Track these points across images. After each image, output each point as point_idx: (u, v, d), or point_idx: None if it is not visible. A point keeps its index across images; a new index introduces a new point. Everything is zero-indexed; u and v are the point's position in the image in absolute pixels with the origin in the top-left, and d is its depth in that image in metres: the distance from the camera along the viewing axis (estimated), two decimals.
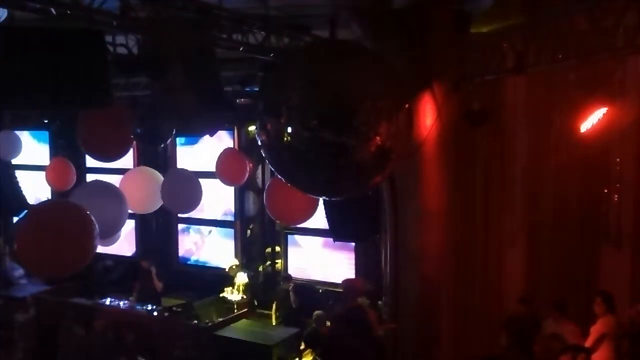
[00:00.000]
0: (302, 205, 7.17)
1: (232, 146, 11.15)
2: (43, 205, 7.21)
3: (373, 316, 8.22)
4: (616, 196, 7.24)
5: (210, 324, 9.30)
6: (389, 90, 3.18)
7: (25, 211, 7.00)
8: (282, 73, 3.44)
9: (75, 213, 5.94)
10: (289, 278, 10.09)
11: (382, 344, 7.97)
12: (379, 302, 8.92)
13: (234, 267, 10.75)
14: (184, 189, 8.46)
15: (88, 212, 5.94)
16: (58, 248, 5.53)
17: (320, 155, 3.00)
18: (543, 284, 7.89)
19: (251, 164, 10.81)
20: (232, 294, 10.30)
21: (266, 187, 7.76)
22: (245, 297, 10.30)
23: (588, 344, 6.58)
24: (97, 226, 5.91)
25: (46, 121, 12.68)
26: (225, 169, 9.29)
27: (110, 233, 7.59)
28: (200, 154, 11.77)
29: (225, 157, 9.40)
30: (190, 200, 8.62)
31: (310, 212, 7.57)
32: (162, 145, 10.17)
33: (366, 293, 8.89)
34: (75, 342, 9.16)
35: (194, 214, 12.10)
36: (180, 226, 12.43)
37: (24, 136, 12.57)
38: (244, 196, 11.59)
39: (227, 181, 9.60)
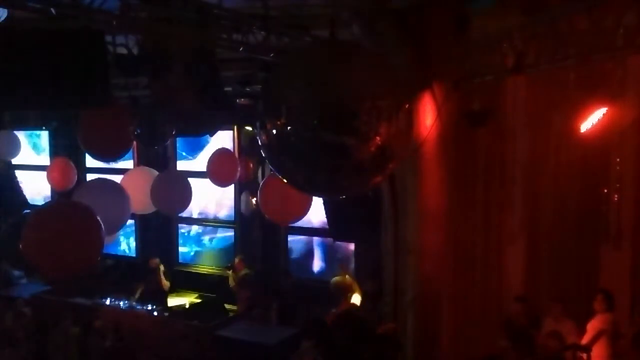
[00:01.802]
0: (295, 204, 7.21)
1: (231, 147, 11.17)
2: (48, 205, 7.20)
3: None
4: (616, 196, 7.23)
5: (210, 324, 9.30)
6: (389, 90, 3.18)
7: (28, 211, 7.01)
8: (282, 73, 3.44)
9: (81, 213, 5.94)
10: (289, 275, 10.10)
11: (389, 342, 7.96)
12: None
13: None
14: (174, 190, 8.45)
15: (93, 212, 5.94)
16: (64, 249, 5.53)
17: (320, 155, 3.00)
18: (543, 284, 7.90)
19: (251, 165, 10.82)
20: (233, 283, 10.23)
21: (260, 186, 7.79)
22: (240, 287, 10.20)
23: (585, 340, 6.58)
24: (103, 226, 5.92)
25: (44, 128, 12.68)
26: (215, 170, 9.31)
27: (112, 231, 7.61)
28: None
29: (217, 158, 9.43)
30: (179, 201, 8.62)
31: (303, 211, 7.61)
32: (161, 146, 10.17)
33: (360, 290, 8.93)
34: (74, 342, 9.16)
35: (194, 214, 12.18)
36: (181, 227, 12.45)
37: (23, 136, 12.59)
38: (244, 196, 11.59)
39: (217, 182, 9.62)
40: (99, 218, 5.94)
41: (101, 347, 8.80)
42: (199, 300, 10.91)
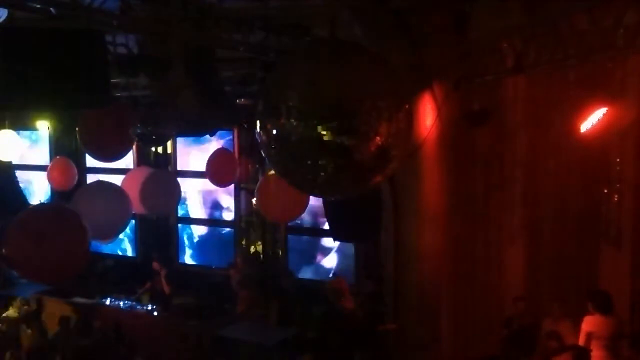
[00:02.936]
0: (293, 203, 7.22)
1: (231, 147, 11.18)
2: (33, 209, 7.03)
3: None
4: (616, 196, 7.23)
5: (210, 324, 9.30)
6: (389, 90, 3.18)
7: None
8: (282, 73, 3.44)
9: (67, 218, 5.85)
10: (289, 275, 10.09)
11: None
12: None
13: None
14: (161, 191, 8.43)
15: (80, 217, 5.86)
16: (47, 255, 5.44)
17: (320, 155, 3.00)
18: (543, 284, 7.90)
19: (250, 165, 10.83)
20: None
21: (257, 186, 7.81)
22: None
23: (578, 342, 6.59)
24: (90, 231, 5.83)
25: (47, 128, 12.62)
26: (215, 170, 9.32)
27: (113, 233, 7.60)
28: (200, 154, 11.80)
29: (216, 158, 9.44)
30: (167, 202, 8.61)
31: (301, 209, 7.63)
32: (161, 146, 10.18)
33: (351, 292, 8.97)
34: (74, 342, 9.16)
35: (194, 214, 12.18)
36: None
37: (24, 136, 12.58)
38: (244, 196, 11.59)
39: (216, 182, 9.63)
40: (85, 223, 5.85)
41: (120, 344, 8.81)
42: (198, 300, 10.89)
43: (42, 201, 13.10)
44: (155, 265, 10.49)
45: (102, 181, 8.20)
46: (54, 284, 8.78)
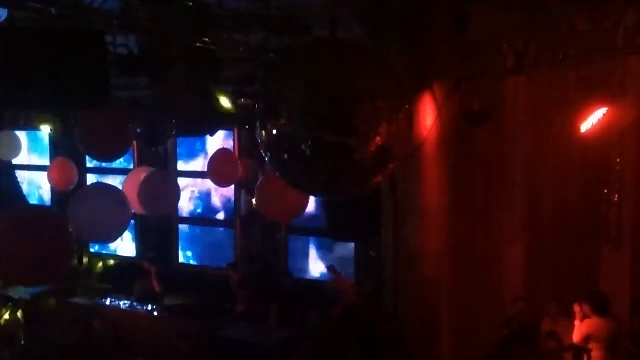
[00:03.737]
0: (293, 202, 7.23)
1: (230, 147, 11.18)
2: (14, 210, 6.86)
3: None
4: (616, 196, 7.24)
5: (210, 324, 9.30)
6: (389, 90, 3.18)
7: None
8: (281, 73, 3.44)
9: (49, 221, 5.79)
10: (289, 275, 10.09)
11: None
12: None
13: None
14: (160, 191, 8.42)
15: (64, 220, 5.83)
16: (27, 256, 5.39)
17: (320, 155, 3.00)
18: (543, 284, 7.90)
19: (250, 165, 10.82)
20: None
21: (257, 185, 7.82)
22: None
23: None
24: (73, 235, 5.79)
25: (48, 129, 12.60)
26: (216, 170, 9.32)
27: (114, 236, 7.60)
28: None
29: (217, 158, 9.45)
30: (167, 202, 8.60)
31: (300, 209, 7.63)
32: (161, 146, 10.17)
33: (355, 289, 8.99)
34: (74, 342, 9.16)
35: (194, 214, 12.19)
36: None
37: (24, 136, 12.57)
38: (244, 195, 11.59)
39: (217, 181, 9.64)
40: (69, 225, 5.81)
41: (119, 344, 8.82)
42: (198, 300, 10.89)
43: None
44: (145, 264, 10.51)
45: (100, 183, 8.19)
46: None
